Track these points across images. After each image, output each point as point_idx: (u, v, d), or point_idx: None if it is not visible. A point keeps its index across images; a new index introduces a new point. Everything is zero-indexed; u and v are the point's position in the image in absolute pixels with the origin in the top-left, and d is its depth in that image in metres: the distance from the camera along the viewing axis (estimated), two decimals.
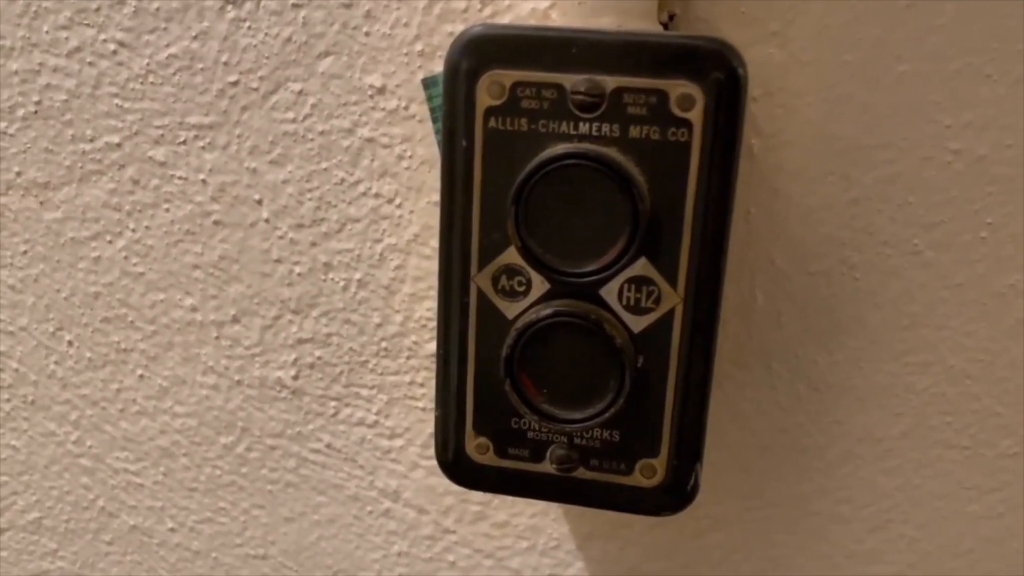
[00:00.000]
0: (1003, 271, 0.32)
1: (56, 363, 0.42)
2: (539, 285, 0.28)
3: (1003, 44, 0.30)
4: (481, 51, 0.26)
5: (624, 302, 0.27)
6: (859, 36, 0.30)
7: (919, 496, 0.36)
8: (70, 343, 0.41)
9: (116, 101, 0.37)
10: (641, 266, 0.27)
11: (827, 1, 0.30)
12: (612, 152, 0.26)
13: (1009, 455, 0.35)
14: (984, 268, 0.32)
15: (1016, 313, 0.33)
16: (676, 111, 0.25)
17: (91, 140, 0.38)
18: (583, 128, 0.26)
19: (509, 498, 0.39)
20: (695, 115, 0.25)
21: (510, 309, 0.28)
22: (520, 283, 0.28)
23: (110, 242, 0.39)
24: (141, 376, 0.41)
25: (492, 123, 0.27)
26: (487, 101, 0.26)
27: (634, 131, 0.26)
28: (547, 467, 0.29)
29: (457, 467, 0.30)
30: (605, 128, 0.26)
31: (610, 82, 0.26)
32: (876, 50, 0.30)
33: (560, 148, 0.26)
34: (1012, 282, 0.32)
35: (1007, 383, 0.34)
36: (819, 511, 0.37)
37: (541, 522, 0.39)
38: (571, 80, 0.26)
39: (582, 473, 0.29)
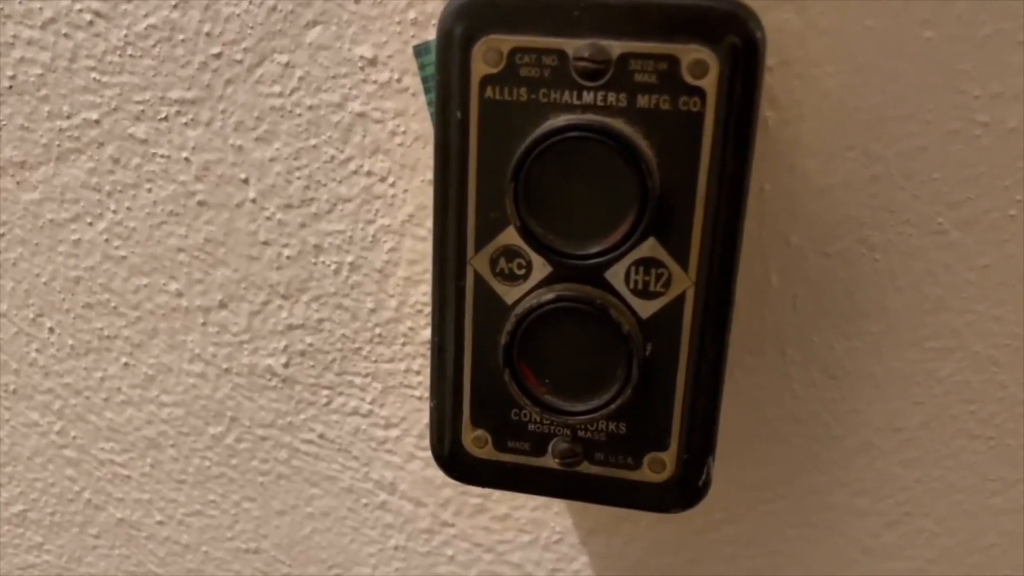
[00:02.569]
0: None
1: (37, 351, 0.40)
2: (540, 268, 0.26)
3: None
4: (476, 15, 0.24)
5: (631, 286, 0.26)
6: (882, 0, 0.28)
7: (940, 488, 0.34)
8: (51, 330, 0.40)
9: (93, 75, 0.35)
10: (649, 247, 0.25)
11: None
12: (618, 123, 0.24)
13: None
14: (1013, 248, 0.31)
15: None
16: (688, 78, 0.23)
17: (68, 117, 0.36)
18: (587, 97, 0.24)
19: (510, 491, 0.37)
20: (708, 83, 0.23)
21: (509, 294, 0.26)
22: (520, 266, 0.26)
23: (90, 224, 0.37)
24: (126, 364, 0.40)
25: (489, 93, 0.25)
26: (483, 69, 0.25)
27: (642, 100, 0.24)
28: (549, 461, 0.28)
29: (454, 461, 0.29)
30: (611, 97, 0.24)
31: (616, 47, 0.24)
32: (900, 16, 0.28)
33: (562, 119, 0.24)
34: None
35: None
36: (834, 504, 0.35)
37: (543, 516, 0.38)
38: (574, 45, 0.24)
39: (586, 467, 0.28)
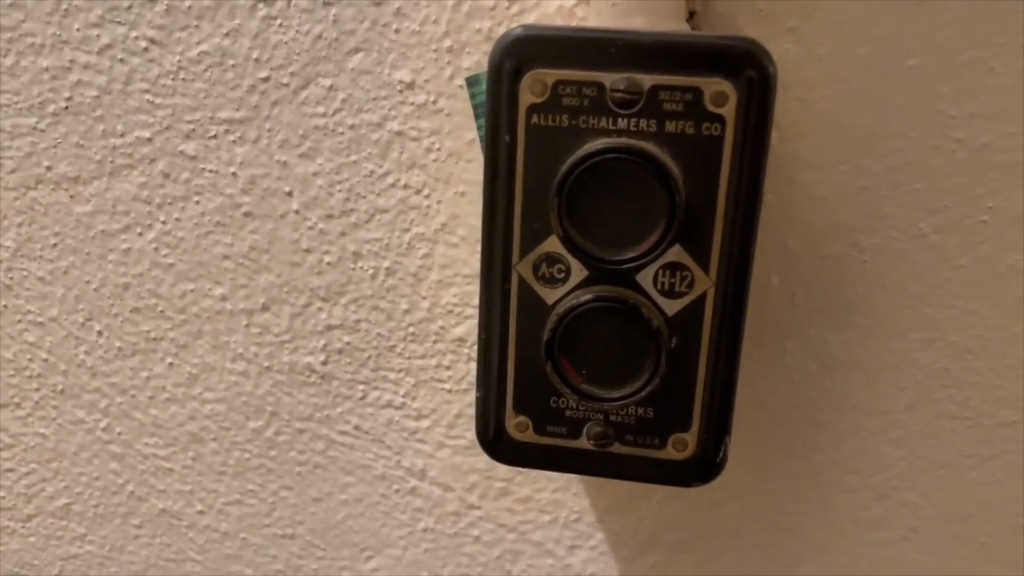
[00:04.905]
0: (1004, 252, 0.34)
1: (86, 352, 0.43)
2: (578, 272, 0.29)
3: (1007, 38, 0.31)
4: (524, 51, 0.28)
5: (659, 287, 0.29)
6: (872, 32, 0.32)
7: (922, 465, 0.38)
8: (100, 333, 0.42)
9: (147, 97, 0.38)
10: (675, 253, 0.29)
11: None
12: (649, 146, 0.27)
13: (1007, 424, 0.37)
14: (986, 250, 0.34)
15: (1016, 292, 0.35)
16: (710, 107, 0.27)
17: (122, 135, 0.39)
18: (621, 124, 0.28)
19: (532, 474, 0.41)
20: (728, 111, 0.27)
21: (550, 295, 0.30)
22: (560, 270, 0.29)
23: (140, 234, 0.40)
24: (171, 364, 0.42)
25: (534, 119, 0.28)
26: (529, 99, 0.28)
27: (670, 126, 0.27)
28: (584, 443, 0.31)
29: (498, 445, 0.32)
30: (643, 123, 0.27)
31: (647, 80, 0.27)
32: (888, 45, 0.32)
33: (600, 143, 0.28)
34: (1012, 262, 0.34)
35: (1006, 357, 0.36)
36: (829, 482, 0.39)
37: (562, 497, 0.41)
38: (610, 78, 0.27)
39: (617, 448, 0.31)
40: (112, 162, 0.39)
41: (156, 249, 0.40)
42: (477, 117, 0.33)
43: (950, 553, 0.39)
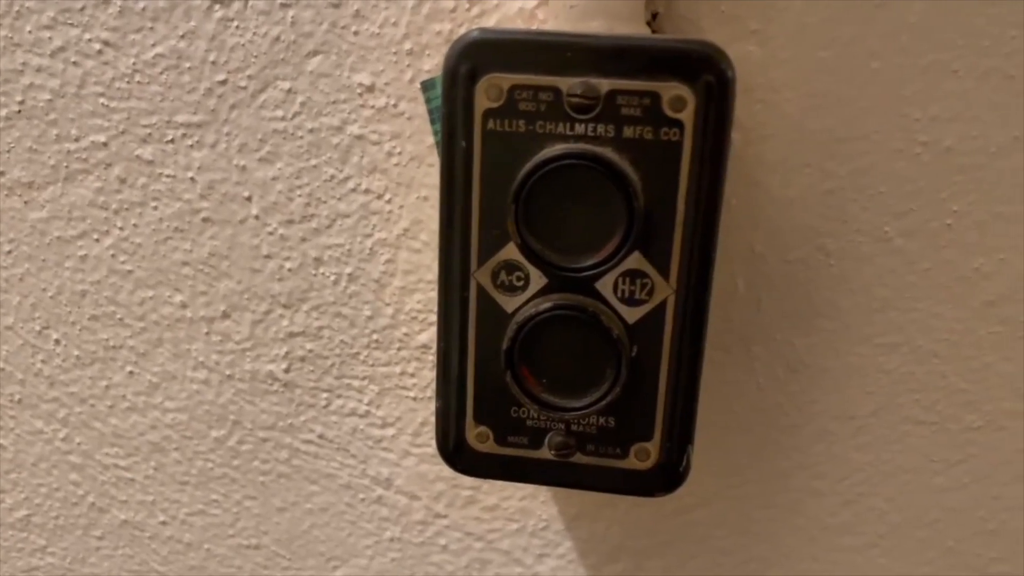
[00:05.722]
0: (968, 256, 0.34)
1: (43, 361, 0.42)
2: (537, 280, 0.29)
3: (968, 41, 0.31)
4: (479, 55, 0.27)
5: (619, 294, 0.29)
6: (834, 34, 0.32)
7: (889, 470, 0.38)
8: (57, 341, 0.42)
9: (102, 100, 0.37)
10: (635, 260, 0.28)
11: (804, 1, 0.31)
12: (607, 152, 0.27)
13: (973, 429, 0.37)
14: (950, 253, 0.34)
15: (980, 295, 0.35)
16: (668, 112, 0.27)
17: (76, 139, 0.38)
18: (579, 129, 0.27)
19: (499, 482, 0.40)
20: (686, 116, 0.27)
21: (509, 303, 0.29)
22: (519, 278, 0.29)
23: (97, 240, 0.39)
24: (131, 372, 0.42)
25: (491, 124, 0.28)
26: (485, 103, 0.27)
27: (628, 131, 0.27)
28: (545, 453, 0.31)
29: (459, 456, 0.32)
30: (600, 129, 0.27)
31: (604, 84, 0.27)
32: (850, 47, 0.32)
33: (558, 148, 0.27)
34: (976, 266, 0.34)
35: (971, 361, 0.36)
36: (796, 487, 0.39)
37: (530, 505, 0.41)
38: (567, 83, 0.27)
39: (579, 458, 0.31)
40: (67, 167, 0.38)
41: (114, 256, 0.39)
42: (433, 122, 0.32)
43: (918, 558, 0.39)
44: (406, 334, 0.38)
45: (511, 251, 0.29)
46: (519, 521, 0.41)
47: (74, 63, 0.36)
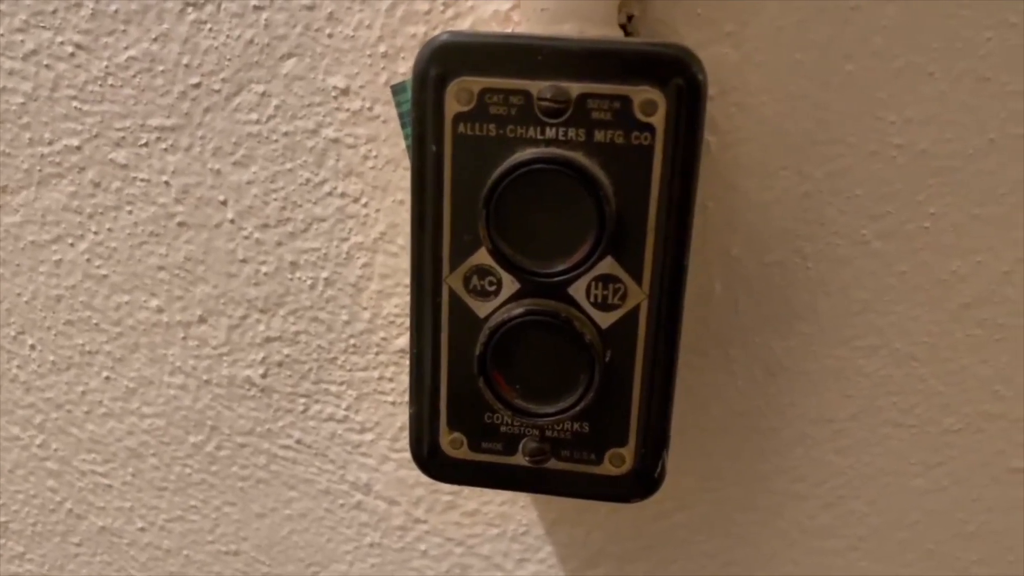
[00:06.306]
0: (945, 258, 0.34)
1: (19, 367, 0.42)
2: (509, 285, 0.29)
3: (943, 43, 0.31)
4: (449, 59, 0.27)
5: (592, 299, 0.28)
6: (810, 37, 0.32)
7: (869, 473, 0.38)
8: (32, 347, 0.41)
9: (75, 104, 0.37)
10: (608, 265, 0.28)
11: (779, 3, 0.31)
12: (578, 156, 0.27)
13: (952, 431, 0.37)
14: (927, 256, 0.34)
15: (957, 298, 0.34)
16: (639, 116, 0.26)
17: (49, 143, 0.37)
18: (550, 133, 0.27)
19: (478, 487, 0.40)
20: (658, 119, 0.26)
21: (481, 308, 0.29)
22: (491, 283, 0.29)
23: (72, 245, 0.39)
24: (107, 378, 0.41)
25: (461, 129, 0.27)
26: (456, 107, 0.27)
27: (599, 135, 0.27)
28: (520, 459, 0.30)
29: (432, 462, 0.31)
30: (571, 133, 0.27)
31: (575, 88, 0.26)
32: (826, 50, 0.32)
33: (528, 153, 0.27)
34: (954, 268, 0.34)
35: (950, 364, 0.35)
36: (776, 490, 0.39)
37: (510, 509, 0.40)
38: (537, 87, 0.27)
39: (554, 464, 0.30)
40: (40, 171, 0.38)
41: (89, 260, 0.39)
42: (404, 126, 0.32)
43: (898, 560, 0.39)
44: (384, 338, 0.38)
45: (483, 256, 0.28)
46: (499, 526, 0.41)
47: (46, 66, 0.36)
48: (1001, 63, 0.31)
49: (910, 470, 0.38)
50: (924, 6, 0.31)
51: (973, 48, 0.31)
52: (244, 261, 0.38)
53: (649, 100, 0.26)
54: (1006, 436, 0.36)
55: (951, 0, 0.31)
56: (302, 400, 0.40)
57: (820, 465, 0.38)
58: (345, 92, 0.35)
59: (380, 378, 0.39)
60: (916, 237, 0.34)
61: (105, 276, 0.39)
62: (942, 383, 0.36)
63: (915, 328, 0.35)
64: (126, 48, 0.35)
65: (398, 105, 0.32)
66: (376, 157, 0.35)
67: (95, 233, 0.39)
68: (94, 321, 0.40)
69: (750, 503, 0.39)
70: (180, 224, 0.38)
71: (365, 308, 0.38)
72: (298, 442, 0.41)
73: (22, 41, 0.36)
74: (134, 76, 0.36)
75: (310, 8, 0.34)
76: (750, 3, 0.31)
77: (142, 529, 0.44)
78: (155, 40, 0.35)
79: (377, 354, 0.38)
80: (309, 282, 0.38)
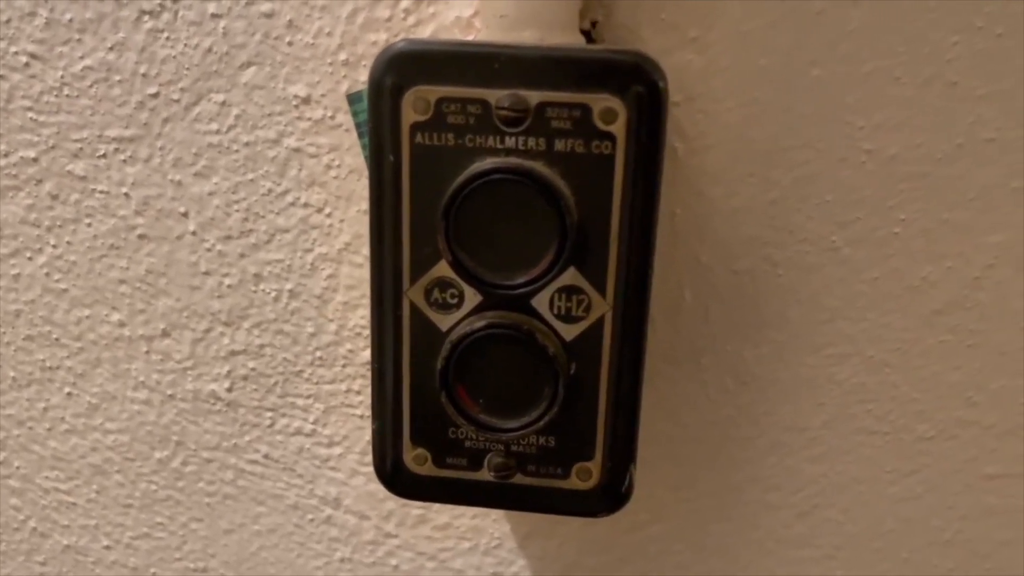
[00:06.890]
0: (915, 264, 0.34)
1: None
2: (471, 297, 0.28)
3: (910, 47, 0.31)
4: (405, 67, 0.26)
5: (555, 311, 0.28)
6: (775, 41, 0.31)
7: (843, 481, 0.38)
8: None
9: (30, 115, 0.36)
10: (570, 276, 0.27)
11: (743, 7, 0.31)
12: (538, 166, 0.26)
13: (926, 439, 0.36)
14: (898, 262, 0.34)
15: (929, 304, 0.34)
16: (599, 124, 0.26)
17: (5, 155, 0.37)
18: (509, 142, 0.26)
19: None
20: (618, 128, 0.26)
21: (443, 321, 0.28)
22: (452, 296, 0.28)
23: (30, 259, 0.38)
24: (69, 394, 0.40)
25: (419, 138, 0.27)
26: (412, 117, 0.27)
27: (559, 144, 0.26)
28: (485, 475, 0.30)
29: (396, 478, 0.31)
30: (531, 142, 0.26)
31: (534, 97, 0.26)
32: (791, 55, 0.31)
33: (487, 163, 0.26)
34: (924, 275, 0.34)
35: (922, 370, 0.35)
36: (750, 499, 0.38)
37: (482, 523, 0.40)
38: (495, 95, 0.26)
39: (520, 479, 0.30)
40: None
41: (48, 274, 0.38)
42: (361, 136, 0.31)
43: (873, 569, 0.39)
44: (350, 351, 0.37)
45: (443, 268, 0.28)
46: (471, 540, 0.40)
47: (0, 77, 0.35)
48: (968, 67, 0.31)
49: (884, 478, 0.37)
50: (890, 11, 0.30)
51: (940, 52, 0.31)
52: (207, 273, 0.37)
53: (609, 108, 0.26)
54: (979, 443, 0.36)
55: (917, 3, 0.30)
56: (268, 414, 0.39)
57: (794, 474, 0.38)
58: (306, 101, 0.34)
59: (347, 391, 0.38)
60: (886, 243, 0.33)
61: (65, 290, 0.38)
62: (915, 390, 0.35)
63: (887, 335, 0.35)
64: (82, 58, 0.35)
65: (354, 115, 0.31)
66: (339, 167, 0.35)
67: (54, 246, 0.38)
68: (55, 336, 0.39)
69: (724, 513, 0.39)
70: (141, 236, 0.37)
71: (331, 320, 0.37)
72: (265, 457, 0.40)
73: None
74: (90, 86, 0.35)
75: (269, 16, 0.33)
76: (714, 7, 0.31)
77: (107, 547, 0.43)
78: (111, 49, 0.34)
79: (344, 367, 0.38)
80: (273, 294, 0.37)
